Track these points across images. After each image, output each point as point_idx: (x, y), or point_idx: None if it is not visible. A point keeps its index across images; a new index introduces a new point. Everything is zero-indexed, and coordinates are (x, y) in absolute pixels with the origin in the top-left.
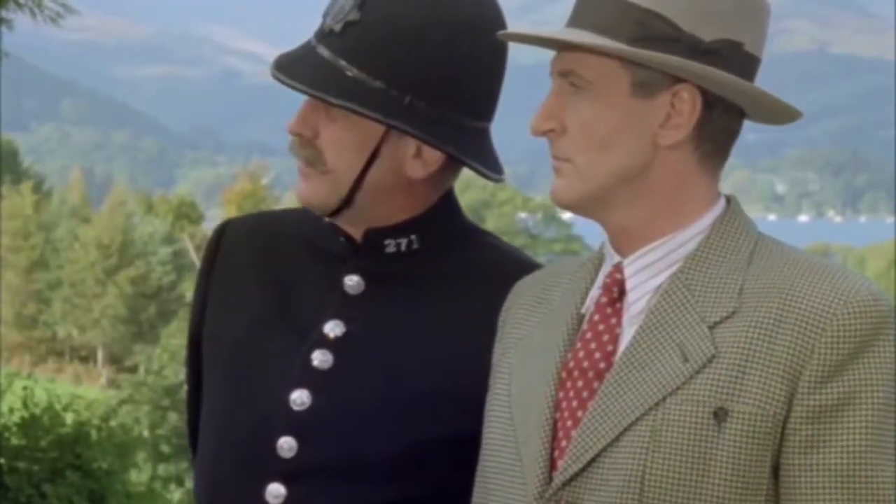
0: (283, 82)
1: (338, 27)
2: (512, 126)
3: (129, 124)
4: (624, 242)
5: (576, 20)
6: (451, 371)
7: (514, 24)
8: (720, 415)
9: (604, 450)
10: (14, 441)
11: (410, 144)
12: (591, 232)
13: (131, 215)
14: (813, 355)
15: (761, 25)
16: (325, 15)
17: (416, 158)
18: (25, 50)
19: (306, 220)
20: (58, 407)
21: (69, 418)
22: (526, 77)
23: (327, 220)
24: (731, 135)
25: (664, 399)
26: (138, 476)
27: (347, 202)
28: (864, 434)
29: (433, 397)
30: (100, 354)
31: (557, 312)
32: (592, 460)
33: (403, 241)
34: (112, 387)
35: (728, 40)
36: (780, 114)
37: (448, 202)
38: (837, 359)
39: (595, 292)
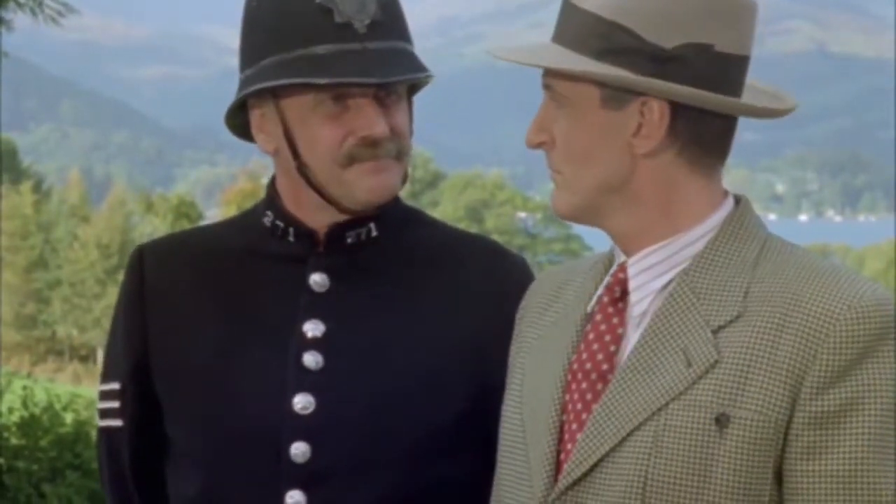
0: (404, 80)
1: (379, 15)
2: (509, 127)
3: (128, 124)
4: (626, 244)
5: (556, 34)
6: (439, 348)
7: (512, 25)
8: (722, 420)
9: (607, 454)
10: (13, 441)
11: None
12: (591, 231)
13: (131, 215)
14: (815, 360)
15: (737, 22)
16: (345, 15)
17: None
18: (25, 50)
19: (242, 230)
20: (57, 406)
21: (69, 418)
22: (523, 80)
23: (281, 223)
24: (720, 134)
25: (667, 404)
26: None
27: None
28: (867, 440)
29: (422, 376)
30: (99, 354)
31: (569, 312)
32: (595, 465)
33: (363, 231)
34: None
35: (693, 44)
36: (755, 112)
37: None
38: (840, 364)
39: (600, 292)
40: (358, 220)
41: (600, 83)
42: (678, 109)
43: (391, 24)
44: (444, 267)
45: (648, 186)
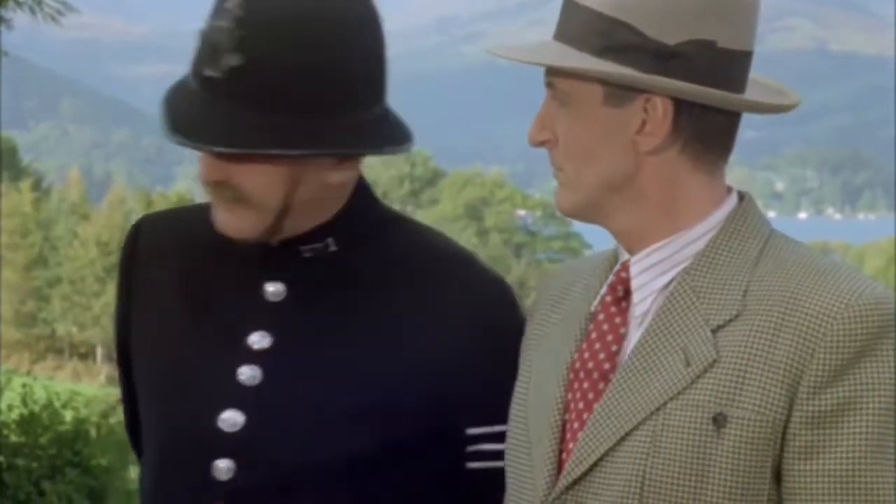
0: (191, 147)
1: (221, 73)
2: (509, 125)
3: (128, 122)
4: (629, 243)
5: (558, 31)
6: (383, 375)
7: (513, 23)
8: (719, 420)
9: (606, 454)
10: (13, 438)
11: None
12: (591, 229)
13: (130, 213)
14: (813, 359)
15: (739, 18)
16: (199, 59)
17: (337, 167)
18: (25, 49)
19: None
20: (57, 404)
21: (68, 416)
22: (523, 78)
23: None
24: (723, 131)
25: (665, 404)
26: (137, 473)
27: (275, 230)
28: (864, 440)
29: (367, 404)
30: (99, 352)
31: (574, 311)
32: (595, 464)
33: (319, 246)
34: (111, 384)
35: (696, 40)
36: (760, 108)
37: (361, 197)
38: (838, 363)
39: (603, 291)
40: (312, 233)
41: (603, 80)
42: (681, 106)
43: (244, 84)
44: (408, 288)
45: (652, 184)
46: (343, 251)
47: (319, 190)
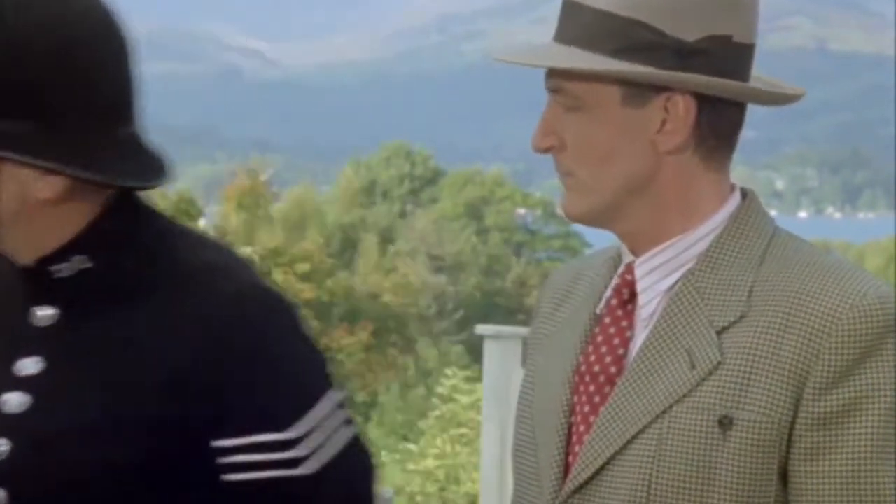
0: None
1: None
2: (509, 124)
3: None
4: (635, 245)
5: (560, 34)
6: (126, 391)
7: (514, 21)
8: (725, 423)
9: (612, 457)
10: None
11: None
12: (591, 228)
13: None
14: (818, 360)
15: (748, 12)
16: None
17: (44, 177)
18: None
19: None
20: None
21: None
22: (524, 77)
23: None
24: (734, 126)
25: (671, 407)
26: None
27: None
28: (870, 441)
29: (114, 422)
30: None
31: (578, 311)
32: (602, 468)
33: (67, 265)
34: None
35: (714, 36)
36: (776, 99)
37: (116, 210)
38: (843, 364)
39: (607, 293)
40: (57, 253)
41: (622, 81)
42: (702, 103)
43: None
44: (163, 302)
45: (669, 184)
46: (104, 268)
47: (25, 201)
